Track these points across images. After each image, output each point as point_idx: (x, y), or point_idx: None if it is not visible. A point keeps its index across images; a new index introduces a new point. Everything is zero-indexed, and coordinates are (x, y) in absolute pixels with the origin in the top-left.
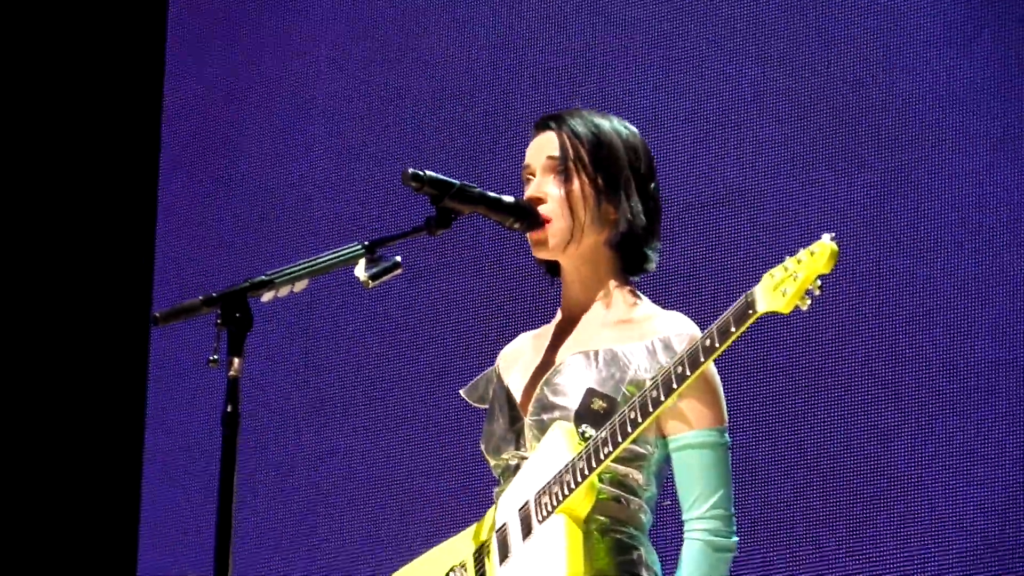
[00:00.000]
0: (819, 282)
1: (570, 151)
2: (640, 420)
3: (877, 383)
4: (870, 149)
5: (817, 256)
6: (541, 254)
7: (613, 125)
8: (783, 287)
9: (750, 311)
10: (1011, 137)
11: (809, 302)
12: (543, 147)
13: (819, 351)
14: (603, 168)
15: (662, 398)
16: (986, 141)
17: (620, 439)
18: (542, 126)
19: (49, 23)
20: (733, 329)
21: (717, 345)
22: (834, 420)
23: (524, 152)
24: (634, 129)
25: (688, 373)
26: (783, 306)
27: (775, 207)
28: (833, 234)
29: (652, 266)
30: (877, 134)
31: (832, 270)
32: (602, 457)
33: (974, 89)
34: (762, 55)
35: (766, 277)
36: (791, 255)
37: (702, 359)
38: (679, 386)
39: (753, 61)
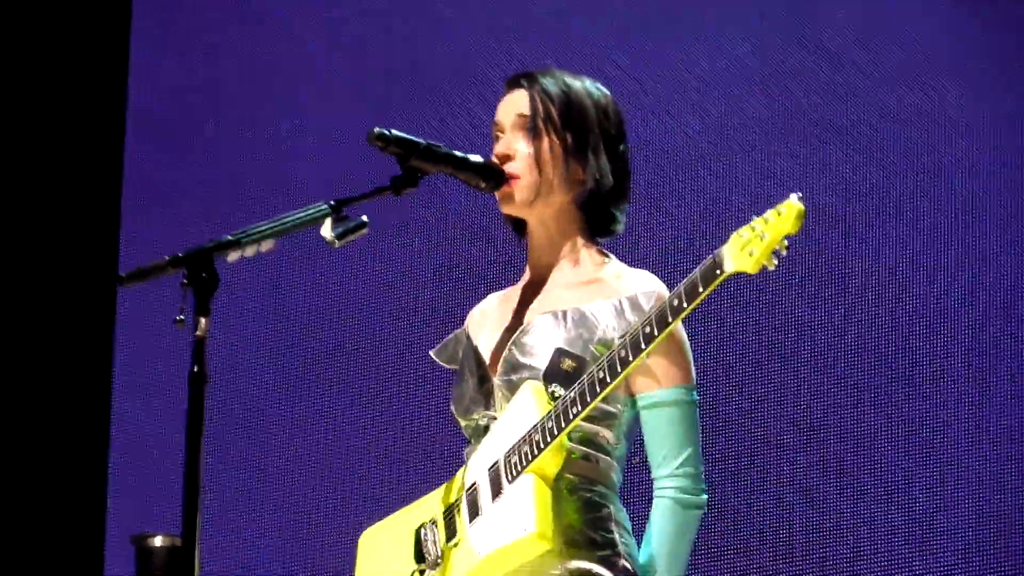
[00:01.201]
0: (786, 242)
1: (540, 109)
2: (609, 380)
3: (856, 349)
4: (847, 112)
5: (784, 216)
6: (508, 209)
7: (584, 85)
8: (750, 247)
9: (718, 271)
10: (1000, 114)
11: (776, 262)
12: (513, 105)
13: (801, 318)
14: (572, 127)
15: (630, 358)
16: (972, 116)
17: (589, 399)
18: (513, 84)
19: None
20: (701, 289)
21: (685, 305)
22: (804, 380)
23: (494, 112)
24: (606, 91)
25: (656, 333)
26: (750, 266)
27: (748, 168)
28: (800, 194)
29: (620, 228)
30: (855, 99)
31: (799, 230)
32: (571, 417)
33: (959, 62)
34: (739, 17)
35: (734, 237)
36: (759, 215)
37: (670, 319)
38: (647, 346)
39: (731, 24)
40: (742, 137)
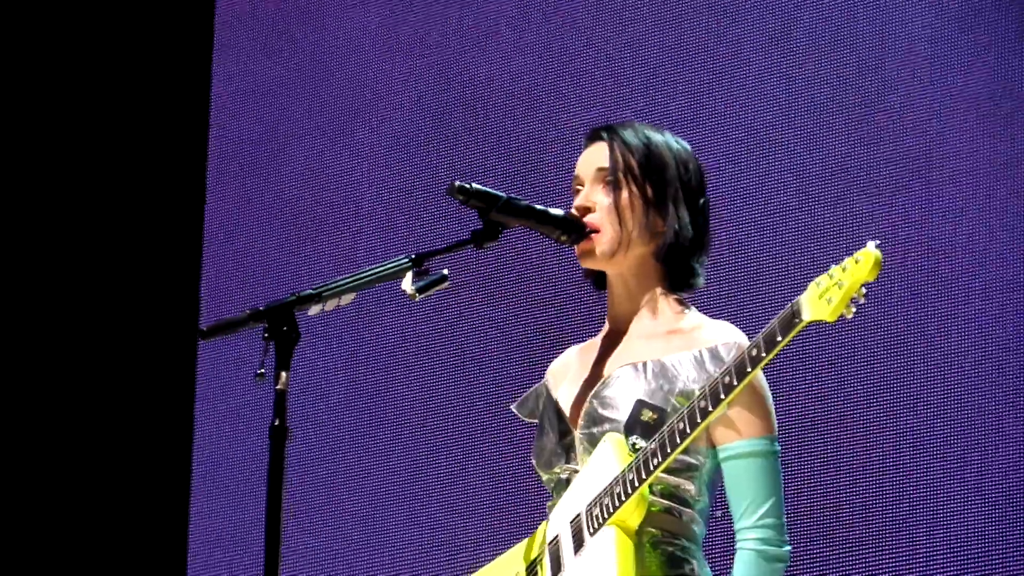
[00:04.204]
0: (864, 290)
1: (620, 161)
2: (688, 430)
3: (916, 391)
4: (914, 159)
5: (862, 264)
6: (588, 263)
7: (665, 138)
8: (828, 295)
9: (796, 320)
10: None
11: (854, 310)
12: (593, 158)
13: (863, 358)
14: (652, 179)
15: (710, 408)
16: None
17: (669, 450)
18: (593, 137)
19: (96, 38)
20: (779, 338)
21: (764, 355)
22: (880, 428)
23: (574, 166)
24: (686, 144)
25: (735, 383)
26: (828, 314)
27: (823, 216)
28: (878, 241)
29: (700, 281)
30: (922, 144)
31: (877, 278)
32: (652, 468)
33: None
34: (805, 68)
35: (812, 286)
36: (837, 263)
37: (749, 369)
38: (726, 396)
39: (798, 74)
40: (820, 185)
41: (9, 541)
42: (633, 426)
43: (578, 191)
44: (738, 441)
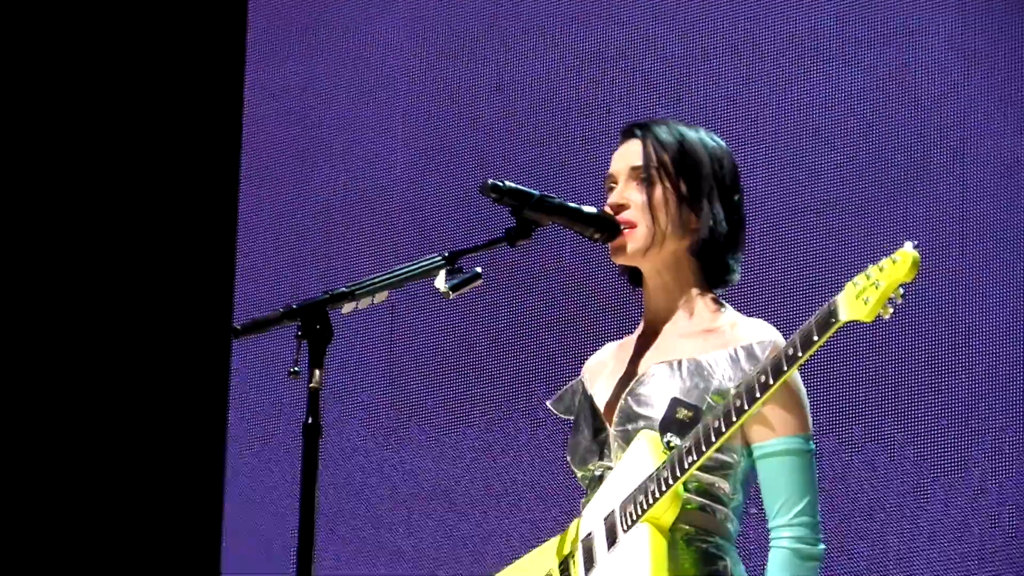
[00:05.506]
0: (901, 290)
1: (653, 158)
2: (724, 429)
3: (951, 389)
4: (955, 158)
5: (899, 264)
6: (621, 259)
7: (699, 135)
8: (865, 295)
9: (833, 319)
10: None
11: (891, 310)
12: (627, 156)
13: (897, 356)
14: (686, 175)
15: (745, 407)
16: None
17: (704, 448)
18: (628, 134)
19: (130, 42)
20: (816, 338)
21: (800, 354)
22: (915, 426)
23: (608, 164)
24: (720, 141)
25: (771, 382)
26: (865, 314)
27: (860, 216)
28: (916, 242)
29: (735, 277)
30: (962, 144)
31: (915, 278)
32: (686, 466)
33: None
34: (844, 65)
35: (849, 285)
36: (874, 263)
37: (785, 368)
38: (762, 395)
39: (829, 72)
40: (857, 185)
41: (41, 538)
42: (668, 424)
43: (612, 189)
44: (773, 439)
